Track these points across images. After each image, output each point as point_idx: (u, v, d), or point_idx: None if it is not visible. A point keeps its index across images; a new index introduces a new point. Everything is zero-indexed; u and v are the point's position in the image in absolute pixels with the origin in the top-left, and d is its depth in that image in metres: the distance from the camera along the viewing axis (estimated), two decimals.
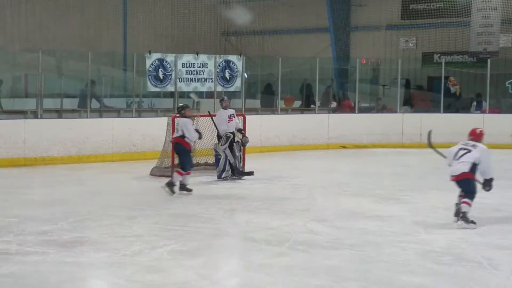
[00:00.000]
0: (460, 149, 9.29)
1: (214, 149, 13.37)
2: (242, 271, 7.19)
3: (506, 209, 10.40)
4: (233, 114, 13.47)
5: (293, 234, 8.52)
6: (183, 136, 11.56)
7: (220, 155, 13.15)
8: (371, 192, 11.94)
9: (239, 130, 13.49)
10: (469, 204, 8.91)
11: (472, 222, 8.84)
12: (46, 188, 12.31)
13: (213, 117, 13.46)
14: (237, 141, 13.39)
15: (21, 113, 16.44)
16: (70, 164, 14.99)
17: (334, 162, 16.57)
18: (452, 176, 9.17)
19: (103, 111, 18.00)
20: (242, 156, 13.70)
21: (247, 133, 14.02)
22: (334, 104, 22.00)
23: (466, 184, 9.05)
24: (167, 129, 14.03)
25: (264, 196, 11.41)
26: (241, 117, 14.37)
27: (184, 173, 11.43)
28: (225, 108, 13.44)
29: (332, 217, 9.68)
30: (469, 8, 23.08)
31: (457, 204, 9.11)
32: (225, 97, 13.85)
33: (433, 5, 24.78)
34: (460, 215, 8.89)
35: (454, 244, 8.01)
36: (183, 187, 11.45)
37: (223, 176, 13.14)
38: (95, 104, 17.86)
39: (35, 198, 11.16)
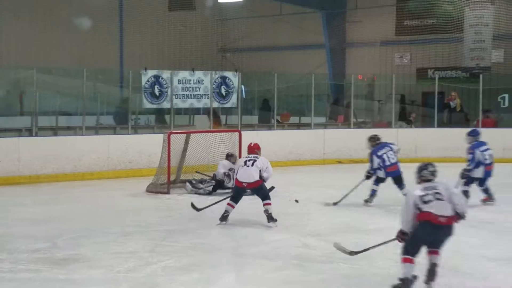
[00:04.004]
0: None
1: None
2: (237, 286, 7.22)
3: (497, 221, 10.49)
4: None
5: (288, 248, 8.58)
6: None
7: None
8: (365, 206, 11.97)
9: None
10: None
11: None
12: (41, 205, 12.29)
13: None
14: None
15: (15, 131, 16.45)
16: (65, 182, 14.98)
17: (329, 177, 16.60)
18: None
19: (99, 128, 18.02)
20: None
21: (244, 150, 14.20)
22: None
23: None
24: (163, 145, 14.07)
25: (260, 211, 11.38)
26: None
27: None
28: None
29: (326, 231, 9.73)
30: (462, 24, 23.21)
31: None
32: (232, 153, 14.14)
33: (426, 21, 24.93)
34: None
35: (447, 256, 8.03)
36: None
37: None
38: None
39: (30, 216, 11.13)
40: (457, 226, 9.92)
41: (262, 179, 10.36)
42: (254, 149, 10.78)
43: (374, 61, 26.24)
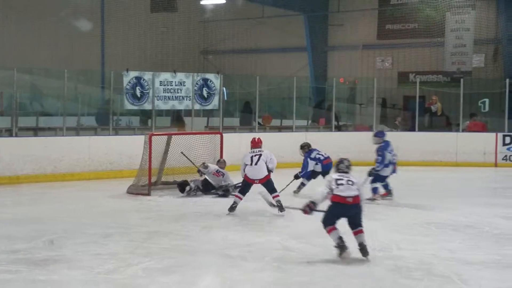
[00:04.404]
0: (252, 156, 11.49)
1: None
2: None
3: (477, 225, 10.55)
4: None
5: (269, 251, 8.58)
6: None
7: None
8: (295, 196, 12.18)
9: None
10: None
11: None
12: (21, 206, 12.23)
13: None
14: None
15: None
16: (46, 183, 14.92)
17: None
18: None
19: (79, 129, 17.94)
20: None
21: (225, 152, 14.26)
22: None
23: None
24: (144, 147, 14.04)
25: (241, 213, 11.44)
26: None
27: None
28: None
29: (307, 234, 9.72)
30: (443, 28, 23.42)
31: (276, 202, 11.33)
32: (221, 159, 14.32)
33: (408, 26, 25.13)
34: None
35: (425, 260, 8.12)
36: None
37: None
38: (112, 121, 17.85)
39: (9, 216, 11.08)
40: (436, 230, 10.10)
41: (269, 171, 11.44)
42: (258, 143, 11.83)
43: (355, 65, 26.35)
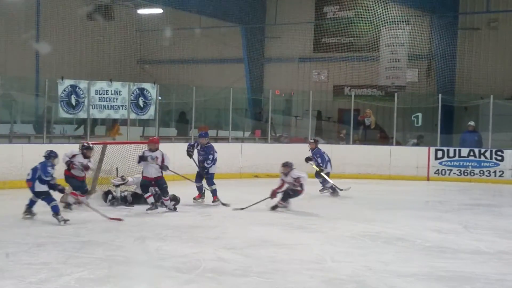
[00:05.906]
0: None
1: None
2: None
3: (409, 238, 10.71)
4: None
5: (203, 261, 8.57)
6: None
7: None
8: (281, 220, 12.11)
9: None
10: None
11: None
12: None
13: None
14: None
15: None
16: None
17: (246, 191, 16.69)
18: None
19: (12, 137, 17.60)
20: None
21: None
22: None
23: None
24: None
25: (175, 224, 11.41)
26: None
27: None
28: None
29: (242, 245, 9.76)
30: (378, 43, 23.87)
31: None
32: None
33: (344, 40, 25.51)
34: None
35: (358, 272, 8.21)
36: None
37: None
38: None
39: None
40: (369, 242, 10.24)
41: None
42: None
43: (292, 77, 26.60)
